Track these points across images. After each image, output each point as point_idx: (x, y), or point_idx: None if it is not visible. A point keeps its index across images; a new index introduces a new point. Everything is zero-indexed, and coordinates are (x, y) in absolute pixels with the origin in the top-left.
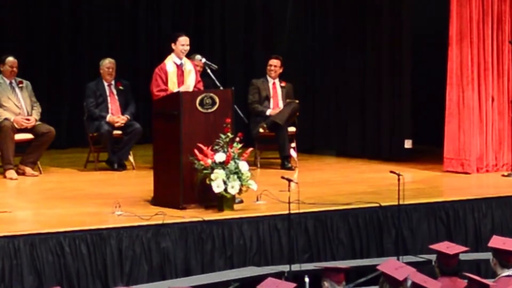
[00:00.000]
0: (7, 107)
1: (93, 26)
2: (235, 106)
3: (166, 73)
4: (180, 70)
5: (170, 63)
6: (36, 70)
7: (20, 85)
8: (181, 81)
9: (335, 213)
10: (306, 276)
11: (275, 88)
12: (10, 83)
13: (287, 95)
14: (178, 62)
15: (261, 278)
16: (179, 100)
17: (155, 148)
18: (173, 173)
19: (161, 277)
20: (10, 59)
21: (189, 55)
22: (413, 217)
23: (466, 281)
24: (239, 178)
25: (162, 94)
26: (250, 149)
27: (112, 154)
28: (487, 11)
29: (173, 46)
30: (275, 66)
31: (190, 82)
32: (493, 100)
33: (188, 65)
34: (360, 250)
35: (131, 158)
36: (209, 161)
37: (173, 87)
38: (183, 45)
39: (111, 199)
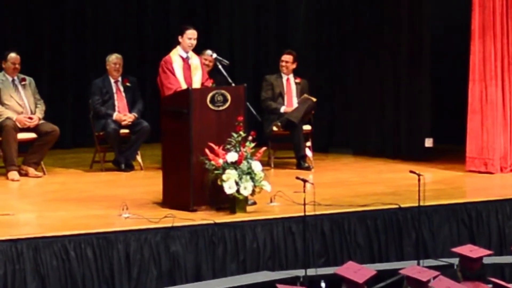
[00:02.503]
0: (9, 106)
1: (98, 20)
2: (248, 104)
3: (172, 66)
4: (186, 64)
5: (175, 56)
6: (39, 67)
7: (23, 83)
8: (187, 75)
9: (353, 215)
10: (322, 281)
11: (289, 84)
12: (13, 80)
13: (302, 91)
14: (184, 55)
15: (275, 283)
16: (188, 98)
17: (164, 147)
18: (183, 174)
19: (170, 283)
20: (13, 55)
21: (199, 51)
22: (434, 219)
23: (490, 285)
24: (252, 178)
25: (175, 85)
26: (264, 148)
27: (119, 154)
28: (511, 3)
29: (179, 39)
30: (286, 61)
31: (197, 78)
32: None
33: (194, 60)
34: (378, 254)
35: (139, 158)
36: (221, 161)
37: (180, 81)
38: (190, 38)
39: (118, 201)
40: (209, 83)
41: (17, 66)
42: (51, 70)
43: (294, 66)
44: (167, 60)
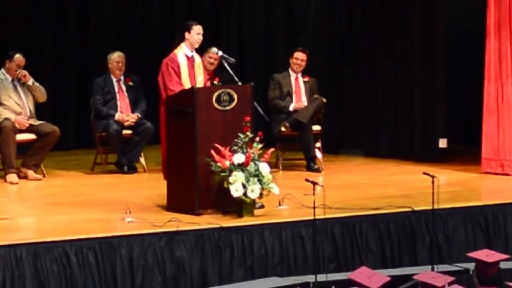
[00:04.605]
0: (7, 106)
1: (100, 17)
2: (255, 103)
3: (178, 66)
4: (191, 63)
5: (181, 54)
6: (39, 65)
7: (22, 81)
8: (192, 74)
9: (364, 219)
10: (333, 287)
11: (298, 83)
12: (12, 80)
13: (310, 91)
14: (190, 54)
15: None
16: (193, 97)
17: (168, 149)
18: (188, 176)
19: None
20: (19, 56)
21: (204, 48)
22: (449, 223)
23: None
24: (260, 181)
25: (178, 88)
26: (272, 149)
27: (121, 155)
28: None
29: (186, 35)
30: (301, 60)
31: (201, 78)
32: None
33: (197, 58)
34: (391, 259)
35: (142, 160)
36: (227, 163)
37: (185, 81)
38: (198, 33)
39: (120, 204)
40: (208, 84)
41: (21, 68)
42: (51, 68)
43: (305, 64)
44: (173, 59)
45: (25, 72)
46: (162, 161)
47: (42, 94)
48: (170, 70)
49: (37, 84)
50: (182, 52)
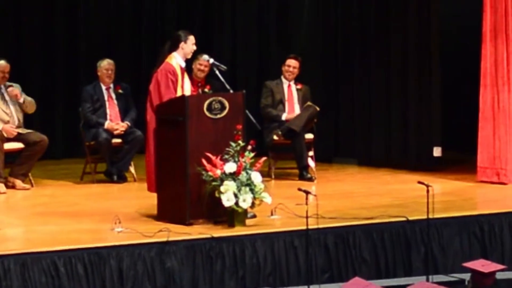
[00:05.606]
0: None
1: (90, 24)
2: (247, 111)
3: (177, 79)
4: (182, 74)
5: (176, 66)
6: (27, 73)
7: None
8: (182, 85)
9: (358, 229)
10: None
11: (291, 91)
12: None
13: (303, 98)
14: (183, 65)
15: None
16: (184, 105)
17: (158, 158)
18: (178, 186)
19: None
20: (2, 63)
21: (195, 55)
22: (444, 233)
23: None
24: (252, 190)
25: None
26: (264, 158)
27: (111, 164)
28: None
29: (182, 45)
30: (294, 67)
31: (187, 86)
32: None
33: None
34: (385, 269)
35: (132, 169)
36: (218, 172)
37: (179, 93)
38: (193, 44)
39: (110, 214)
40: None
41: (6, 75)
42: (40, 76)
43: (298, 72)
44: (174, 71)
45: (17, 91)
46: (146, 172)
47: (32, 106)
48: (169, 83)
49: (28, 99)
50: (176, 63)
